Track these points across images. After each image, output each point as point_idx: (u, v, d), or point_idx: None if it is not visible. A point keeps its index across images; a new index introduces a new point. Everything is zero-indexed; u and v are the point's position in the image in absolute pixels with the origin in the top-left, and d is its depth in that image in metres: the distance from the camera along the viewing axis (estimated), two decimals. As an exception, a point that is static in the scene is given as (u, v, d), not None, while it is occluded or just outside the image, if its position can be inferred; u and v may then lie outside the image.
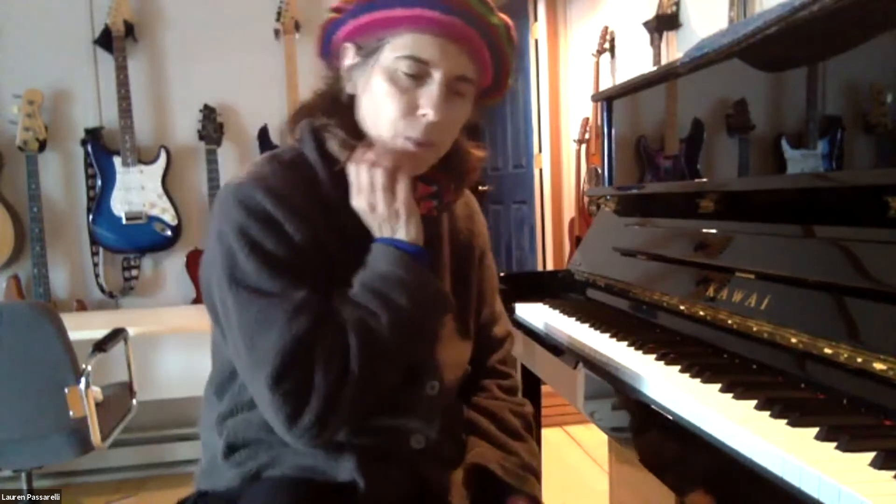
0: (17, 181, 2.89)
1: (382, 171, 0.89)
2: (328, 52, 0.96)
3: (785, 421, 0.79)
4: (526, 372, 1.63)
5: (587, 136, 3.40)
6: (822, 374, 0.89)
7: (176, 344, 2.84)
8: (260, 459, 0.94)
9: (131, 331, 2.26)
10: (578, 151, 3.47)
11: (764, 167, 1.27)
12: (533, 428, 1.12)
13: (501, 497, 1.01)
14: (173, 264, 3.12)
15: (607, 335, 1.26)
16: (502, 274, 1.60)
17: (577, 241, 3.39)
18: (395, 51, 0.88)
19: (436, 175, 0.97)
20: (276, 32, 3.10)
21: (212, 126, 2.99)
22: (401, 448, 0.95)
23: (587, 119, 3.42)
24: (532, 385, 1.69)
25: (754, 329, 1.01)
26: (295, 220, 0.87)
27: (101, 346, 2.02)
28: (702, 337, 1.15)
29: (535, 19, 3.92)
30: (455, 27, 0.87)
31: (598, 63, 3.20)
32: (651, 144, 1.66)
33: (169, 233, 2.98)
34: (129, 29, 2.93)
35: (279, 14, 3.08)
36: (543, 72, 3.89)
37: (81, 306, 2.97)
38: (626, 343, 1.18)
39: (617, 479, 2.05)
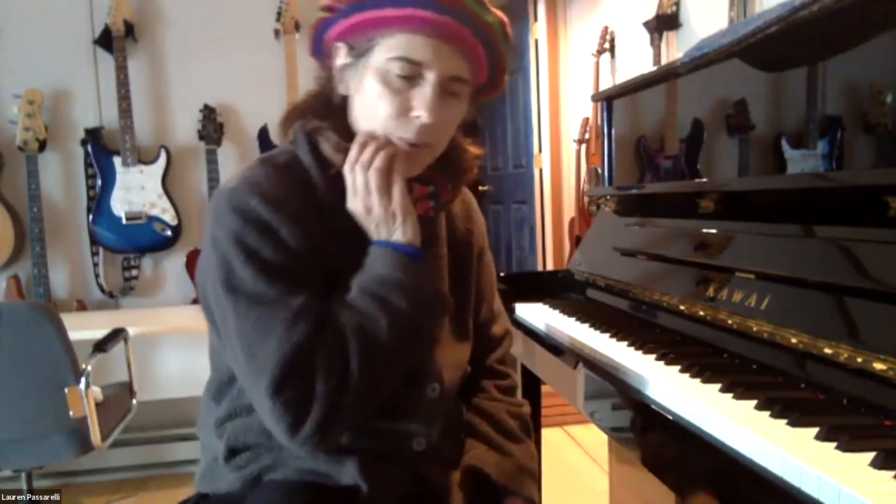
0: (17, 181, 2.89)
1: (377, 173, 0.87)
2: (320, 51, 0.95)
3: (785, 421, 0.79)
4: (526, 372, 1.63)
5: (587, 136, 3.40)
6: (822, 374, 0.89)
7: (176, 344, 2.84)
8: (261, 463, 0.94)
9: (131, 331, 2.26)
10: (578, 151, 3.47)
11: (764, 167, 1.27)
12: (531, 429, 1.12)
13: (497, 499, 1.01)
14: (173, 264, 3.12)
15: (607, 335, 1.26)
16: (502, 274, 1.61)
17: (577, 241, 3.39)
18: (387, 51, 0.86)
19: (432, 175, 0.96)
20: (276, 32, 3.10)
21: (212, 126, 2.99)
22: (402, 450, 0.95)
23: (587, 119, 3.42)
24: (532, 385, 1.69)
25: (754, 329, 1.01)
26: (290, 225, 0.86)
27: (101, 346, 2.02)
28: (702, 337, 1.15)
29: (535, 19, 3.92)
30: (448, 27, 0.85)
31: (598, 63, 3.20)
32: (651, 144, 1.66)
33: (169, 233, 2.98)
34: (129, 29, 2.94)
35: (279, 14, 3.08)
36: (543, 72, 3.88)
37: (81, 306, 2.98)
38: (626, 343, 1.18)
39: (617, 479, 2.05)
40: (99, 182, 2.94)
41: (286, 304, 0.83)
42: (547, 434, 2.27)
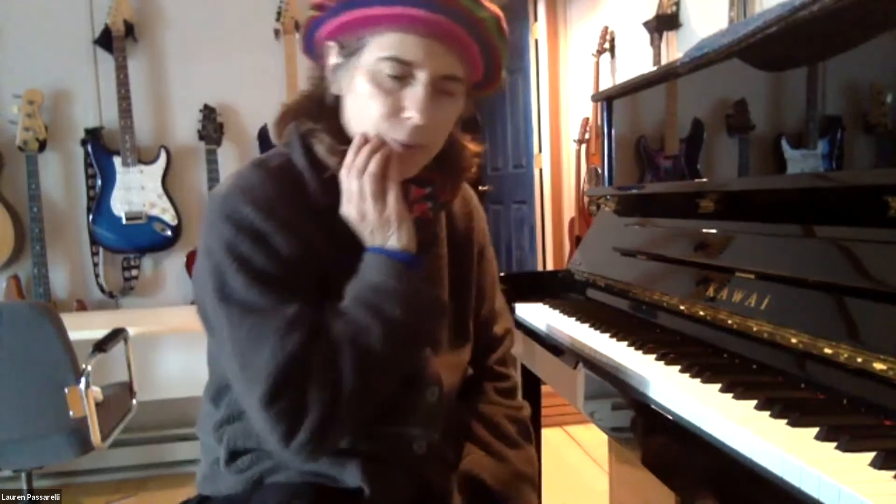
0: (17, 181, 2.89)
1: (372, 178, 0.86)
2: (312, 50, 0.93)
3: (785, 421, 0.79)
4: (526, 372, 1.64)
5: (587, 136, 3.40)
6: (822, 374, 0.89)
7: (176, 344, 2.84)
8: (263, 465, 0.94)
9: (131, 331, 2.26)
10: (578, 151, 3.47)
11: (764, 167, 1.27)
12: (530, 432, 1.11)
13: None
14: (173, 264, 3.12)
15: (607, 335, 1.26)
16: (502, 274, 1.60)
17: (577, 241, 3.39)
18: (378, 51, 0.84)
19: (430, 175, 0.94)
20: (276, 32, 3.10)
21: (212, 126, 2.99)
22: (403, 453, 0.94)
23: (587, 119, 3.42)
24: (532, 385, 1.69)
25: (754, 329, 1.01)
26: (283, 232, 0.84)
27: (101, 346, 2.02)
28: (702, 337, 1.15)
29: (535, 19, 3.92)
30: (440, 25, 0.83)
31: (598, 63, 3.20)
32: (651, 144, 1.66)
33: (169, 233, 2.98)
34: (129, 29, 2.94)
35: (279, 14, 3.08)
36: (543, 72, 3.88)
37: (81, 306, 2.97)
38: (626, 343, 1.18)
39: (617, 479, 2.05)
40: (99, 182, 2.94)
41: (279, 313, 0.82)
42: (547, 434, 2.26)
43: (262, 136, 3.08)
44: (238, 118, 3.12)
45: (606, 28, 3.16)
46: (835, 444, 0.72)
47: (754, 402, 0.85)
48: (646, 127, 1.71)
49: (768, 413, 0.82)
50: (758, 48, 1.21)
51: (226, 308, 0.83)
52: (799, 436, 0.75)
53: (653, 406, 0.96)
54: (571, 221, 3.65)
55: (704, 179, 1.45)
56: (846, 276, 0.92)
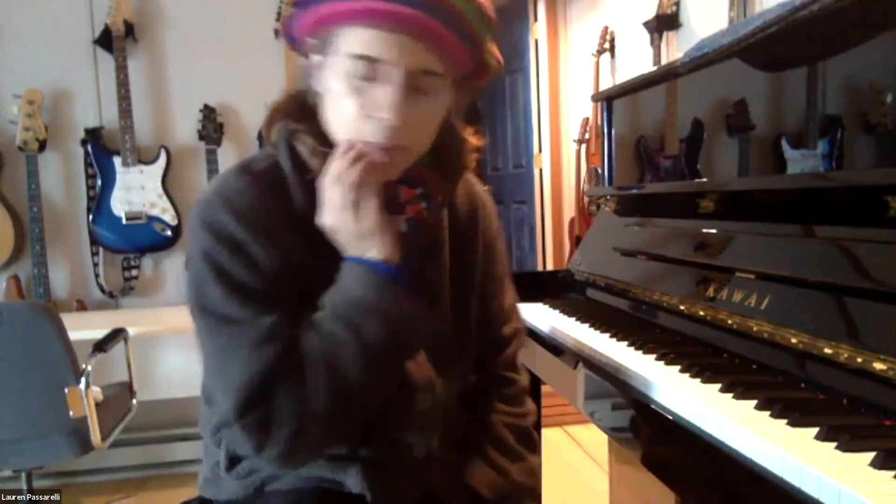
0: (17, 181, 2.89)
1: (350, 189, 0.82)
2: (296, 48, 0.89)
3: (785, 421, 0.79)
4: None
5: (587, 136, 3.40)
6: (822, 374, 0.89)
7: (176, 344, 2.83)
8: (263, 472, 0.93)
9: (131, 331, 2.26)
10: (578, 151, 3.47)
11: (764, 167, 1.27)
12: (534, 440, 1.06)
13: None
14: (173, 264, 3.11)
15: (607, 335, 1.26)
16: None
17: (577, 241, 3.39)
18: (347, 48, 0.80)
19: (422, 174, 0.90)
20: (276, 32, 3.10)
21: (212, 126, 2.99)
22: (404, 458, 0.93)
23: (587, 119, 3.42)
24: (532, 385, 1.69)
25: (754, 329, 1.01)
26: (264, 243, 0.82)
27: (101, 346, 2.02)
28: (702, 337, 1.15)
29: (535, 19, 3.92)
30: (410, 19, 0.77)
31: (598, 63, 3.19)
32: (651, 144, 1.66)
33: (169, 233, 2.98)
34: (129, 29, 2.93)
35: (279, 14, 3.08)
36: (543, 72, 3.88)
37: (81, 306, 2.97)
38: (626, 343, 1.18)
39: (617, 479, 2.05)
40: (99, 182, 2.93)
41: (255, 326, 0.80)
42: (547, 434, 2.26)
43: (262, 136, 3.08)
44: (238, 118, 3.11)
45: (606, 28, 3.16)
46: (835, 444, 0.72)
47: (754, 402, 0.85)
48: (646, 127, 1.71)
49: (768, 413, 0.82)
50: (758, 48, 1.21)
51: (204, 318, 0.83)
52: (799, 436, 0.75)
53: (653, 406, 0.96)
54: (571, 221, 3.65)
55: (704, 179, 1.45)
56: (846, 276, 0.92)
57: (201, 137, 3.00)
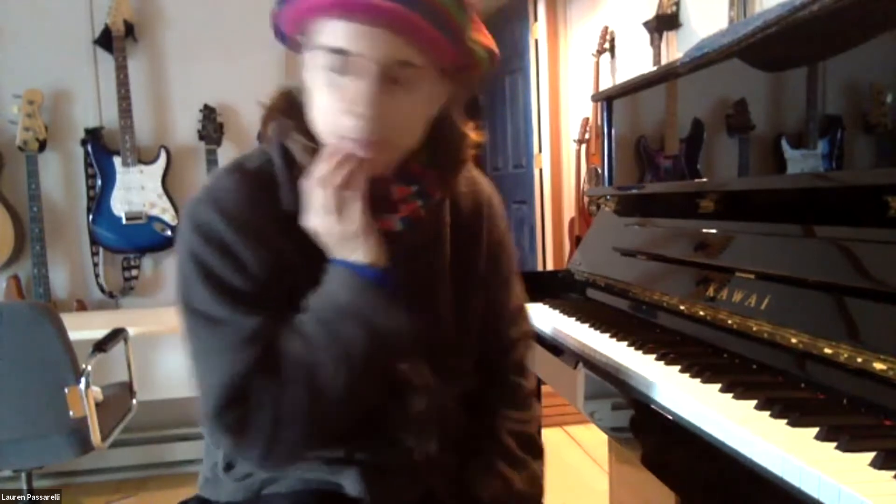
0: (17, 181, 2.89)
1: (331, 193, 0.80)
2: (286, 44, 0.88)
3: (785, 421, 0.79)
4: (526, 372, 1.63)
5: (587, 136, 3.40)
6: (822, 374, 0.89)
7: (176, 344, 2.82)
8: (262, 475, 0.92)
9: (131, 331, 2.26)
10: (578, 151, 3.47)
11: (764, 167, 1.27)
12: (538, 446, 1.04)
13: None
14: (173, 264, 3.09)
15: (607, 335, 1.26)
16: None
17: (577, 241, 3.39)
18: (323, 41, 0.79)
19: (416, 170, 0.88)
20: (276, 32, 3.10)
21: (212, 126, 2.99)
22: (403, 461, 0.92)
23: (587, 119, 3.42)
24: (532, 385, 1.69)
25: (754, 329, 1.01)
26: (253, 245, 0.82)
27: (101, 346, 2.02)
28: (702, 337, 1.15)
29: (535, 19, 3.92)
30: (391, 14, 0.75)
31: (598, 63, 3.19)
32: (651, 144, 1.66)
33: (169, 233, 2.98)
34: (129, 29, 2.93)
35: (279, 14, 3.08)
36: (543, 72, 3.88)
37: (81, 306, 2.97)
38: (626, 343, 1.18)
39: (617, 479, 2.05)
40: (99, 182, 2.93)
41: (237, 329, 0.80)
42: (547, 434, 2.26)
43: (261, 134, 3.08)
44: (238, 118, 3.11)
45: (606, 28, 3.16)
46: (835, 444, 0.72)
47: (754, 402, 0.85)
48: (646, 127, 1.71)
49: (768, 413, 0.82)
50: (758, 48, 1.21)
51: (189, 318, 0.83)
52: (799, 436, 0.75)
53: (653, 406, 0.96)
54: (571, 221, 3.65)
55: (704, 179, 1.45)
56: (846, 276, 0.92)
57: (201, 137, 3.00)
